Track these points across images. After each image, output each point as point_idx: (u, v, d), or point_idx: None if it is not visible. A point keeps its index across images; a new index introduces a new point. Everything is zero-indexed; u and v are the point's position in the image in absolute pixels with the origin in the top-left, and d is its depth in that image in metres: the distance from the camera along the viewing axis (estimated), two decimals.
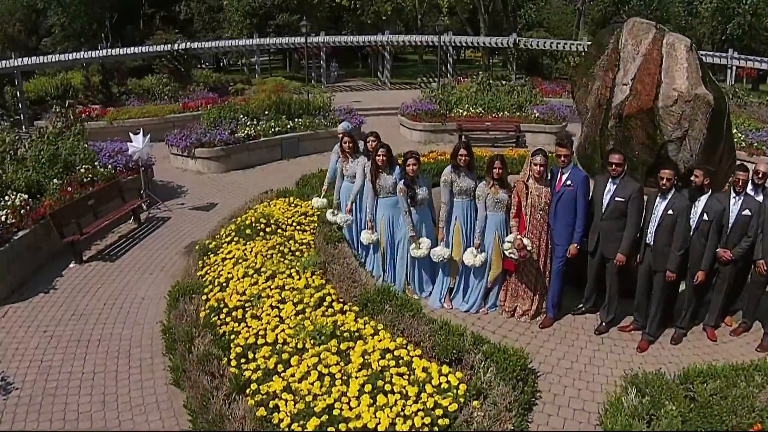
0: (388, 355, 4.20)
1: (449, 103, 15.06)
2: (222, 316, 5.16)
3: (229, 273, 5.87)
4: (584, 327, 5.42)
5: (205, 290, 5.75)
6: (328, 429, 3.59)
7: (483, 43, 26.17)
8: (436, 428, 3.61)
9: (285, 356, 4.33)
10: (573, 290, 5.60)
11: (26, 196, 8.06)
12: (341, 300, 5.14)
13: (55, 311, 6.60)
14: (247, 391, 4.07)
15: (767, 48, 28.88)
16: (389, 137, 15.77)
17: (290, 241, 6.34)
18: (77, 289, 7.20)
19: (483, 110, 14.84)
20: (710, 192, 5.01)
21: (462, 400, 3.83)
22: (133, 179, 10.02)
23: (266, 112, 13.28)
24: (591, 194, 5.26)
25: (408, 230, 5.40)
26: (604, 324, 5.32)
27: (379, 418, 3.64)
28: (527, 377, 4.22)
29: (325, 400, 3.81)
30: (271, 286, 5.42)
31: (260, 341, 4.65)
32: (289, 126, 13.07)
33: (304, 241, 6.40)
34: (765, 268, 4.88)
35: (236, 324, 4.97)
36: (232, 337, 4.85)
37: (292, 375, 4.15)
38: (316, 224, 7.05)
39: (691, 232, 4.86)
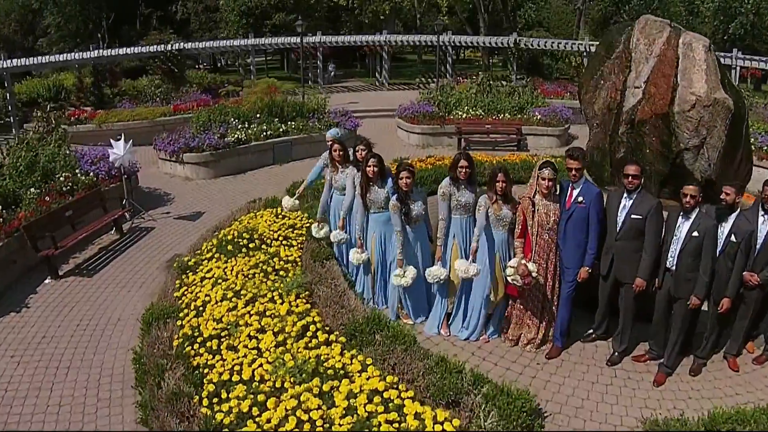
0: (376, 398, 3.71)
1: (448, 104, 14.56)
2: (196, 346, 4.67)
3: (206, 295, 5.39)
4: (595, 357, 4.92)
5: (181, 314, 5.27)
6: None
7: (483, 43, 25.66)
8: None
9: (261, 398, 3.84)
10: (583, 314, 5.11)
11: (0, 207, 7.61)
12: (327, 328, 4.66)
13: (26, 333, 6.14)
14: None
15: None
16: (386, 141, 15.51)
17: (275, 259, 5.86)
18: (51, 307, 6.74)
19: (483, 112, 14.34)
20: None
21: None
22: (116, 187, 9.53)
23: (258, 115, 12.77)
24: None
25: (398, 252, 4.89)
26: (616, 354, 4.82)
27: None
28: (533, 423, 3.73)
29: None
30: (251, 312, 4.94)
31: (235, 377, 4.17)
32: (281, 129, 12.57)
33: (290, 258, 5.92)
34: None
35: (210, 356, 4.48)
36: (206, 371, 4.38)
37: (268, 420, 3.66)
38: (304, 238, 6.57)
39: (717, 254, 4.35)
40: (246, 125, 12.44)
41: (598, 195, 4.62)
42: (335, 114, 13.83)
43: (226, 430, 3.69)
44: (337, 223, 5.85)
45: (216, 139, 11.53)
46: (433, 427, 3.47)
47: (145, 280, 7.33)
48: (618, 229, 4.57)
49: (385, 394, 3.75)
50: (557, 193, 4.69)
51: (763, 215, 4.51)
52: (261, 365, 4.22)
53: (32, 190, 8.64)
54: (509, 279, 4.42)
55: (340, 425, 3.52)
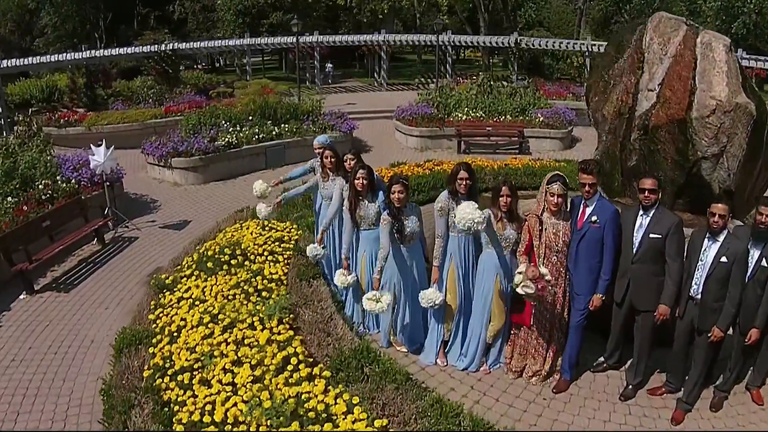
0: None
1: (447, 106, 14.10)
2: (167, 379, 4.22)
3: (182, 319, 4.94)
4: (607, 390, 4.46)
5: (154, 340, 4.83)
6: None
7: (483, 43, 25.19)
8: None
9: None
10: (592, 336, 4.63)
11: None
12: (311, 359, 4.20)
13: None
14: None
15: None
16: (383, 143, 15.04)
17: (257, 278, 5.40)
18: (23, 326, 6.31)
19: (483, 114, 13.87)
20: None
21: None
22: (99, 195, 9.07)
23: (250, 117, 12.31)
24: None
25: (376, 271, 4.37)
26: (630, 387, 4.35)
27: None
28: None
29: None
30: (228, 340, 4.48)
31: (207, 419, 3.72)
32: (274, 132, 12.11)
33: (275, 276, 5.46)
34: None
35: (182, 392, 4.03)
36: (176, 408, 3.93)
37: None
38: (292, 252, 6.12)
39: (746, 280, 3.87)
40: (238, 128, 11.98)
41: (615, 214, 4.12)
42: (331, 116, 13.37)
43: None
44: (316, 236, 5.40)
45: (205, 143, 11.08)
46: None
47: (123, 297, 6.88)
48: (634, 250, 4.09)
49: None
50: (567, 210, 4.21)
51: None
52: (236, 404, 3.77)
53: (9, 198, 8.21)
54: (520, 290, 3.85)
55: None
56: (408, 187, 4.42)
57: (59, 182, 8.93)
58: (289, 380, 3.92)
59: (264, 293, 5.16)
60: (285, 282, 5.49)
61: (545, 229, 4.05)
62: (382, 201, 4.57)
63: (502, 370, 4.53)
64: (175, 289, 5.60)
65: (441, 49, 23.36)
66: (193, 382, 4.11)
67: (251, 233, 6.60)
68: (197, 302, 5.18)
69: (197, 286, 5.49)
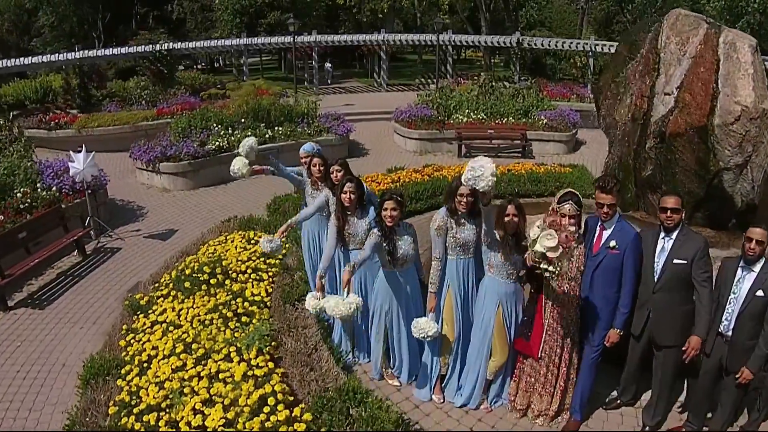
0: None
1: (448, 108, 13.62)
2: (132, 418, 3.78)
3: (154, 347, 4.50)
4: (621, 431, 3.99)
5: (123, 370, 4.39)
6: None
7: (485, 42, 24.70)
8: None
9: None
10: (605, 367, 4.15)
11: None
12: (291, 398, 3.75)
13: None
14: None
15: None
16: (382, 146, 14.55)
17: (238, 299, 4.95)
18: None
19: (485, 116, 13.39)
20: None
21: None
22: (81, 203, 8.62)
23: (242, 120, 11.86)
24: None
25: (346, 270, 3.70)
26: (647, 429, 3.88)
27: None
28: None
29: None
30: (201, 374, 4.03)
31: None
32: (267, 135, 11.65)
33: (257, 298, 5.01)
34: None
35: None
36: None
37: None
38: (277, 269, 5.67)
39: None
40: (229, 131, 11.53)
41: (636, 239, 3.62)
42: (326, 118, 12.91)
43: None
44: (311, 250, 4.94)
45: (195, 147, 10.63)
46: None
47: (101, 315, 6.44)
48: (656, 277, 3.61)
49: None
50: (581, 232, 3.73)
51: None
52: None
53: None
54: (539, 245, 3.15)
55: None
56: (402, 204, 3.93)
57: (39, 190, 8.49)
58: (266, 425, 3.47)
59: (244, 318, 4.71)
60: (268, 304, 5.04)
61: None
62: (373, 218, 4.10)
63: (504, 407, 4.06)
64: (149, 311, 5.16)
65: (441, 49, 22.89)
66: (160, 424, 3.66)
67: (235, 247, 6.16)
68: (171, 328, 4.73)
69: (173, 309, 5.05)
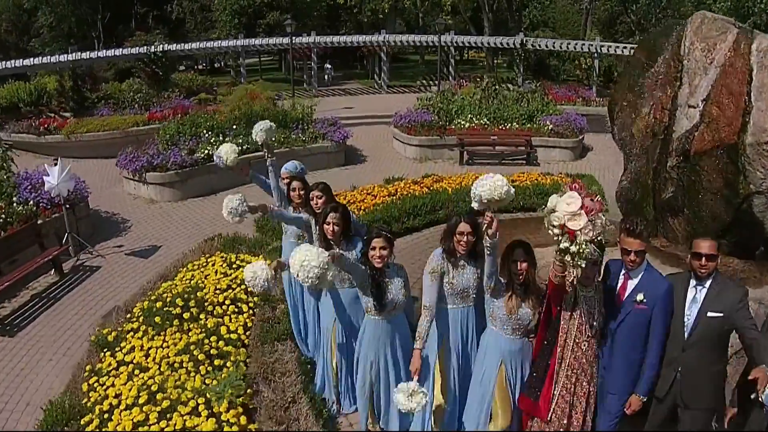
0: None
1: (449, 112, 13.07)
2: None
3: (117, 395, 4.00)
4: None
5: (83, 420, 3.90)
6: None
7: (488, 44, 24.17)
8: None
9: None
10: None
11: None
12: None
13: None
14: None
15: None
16: (381, 153, 13.99)
17: (212, 338, 4.44)
18: None
19: (488, 121, 12.85)
20: None
21: None
22: (59, 217, 8.14)
23: (234, 126, 11.35)
24: None
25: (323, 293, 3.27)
26: None
27: None
28: None
29: None
30: (165, 430, 3.53)
31: None
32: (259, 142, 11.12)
33: (233, 336, 4.49)
34: None
35: None
36: None
37: None
38: (258, 299, 5.16)
39: None
40: (220, 138, 11.03)
41: (668, 293, 3.04)
42: (322, 124, 12.39)
43: None
44: (292, 287, 4.44)
45: (183, 155, 10.13)
46: None
47: (73, 344, 5.96)
48: (687, 333, 3.06)
49: None
50: (599, 279, 3.15)
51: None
52: None
53: None
54: (560, 212, 2.56)
55: None
56: (392, 242, 3.39)
57: (15, 204, 8.01)
58: None
59: (217, 360, 4.20)
60: (247, 340, 4.54)
61: (580, 303, 3.00)
62: (360, 251, 3.57)
63: None
64: (117, 348, 4.66)
65: (443, 49, 22.36)
66: None
67: (216, 272, 5.65)
68: (137, 371, 4.23)
69: (142, 347, 4.54)
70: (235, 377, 3.83)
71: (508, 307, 3.14)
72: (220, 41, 24.41)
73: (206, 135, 10.98)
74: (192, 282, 5.41)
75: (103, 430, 3.79)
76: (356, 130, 14.77)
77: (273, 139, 4.74)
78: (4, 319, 6.55)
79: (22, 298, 7.04)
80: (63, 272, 7.57)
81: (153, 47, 20.52)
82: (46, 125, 14.93)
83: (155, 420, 3.64)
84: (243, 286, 5.35)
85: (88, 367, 4.54)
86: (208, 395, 3.74)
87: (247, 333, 4.64)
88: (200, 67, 34.73)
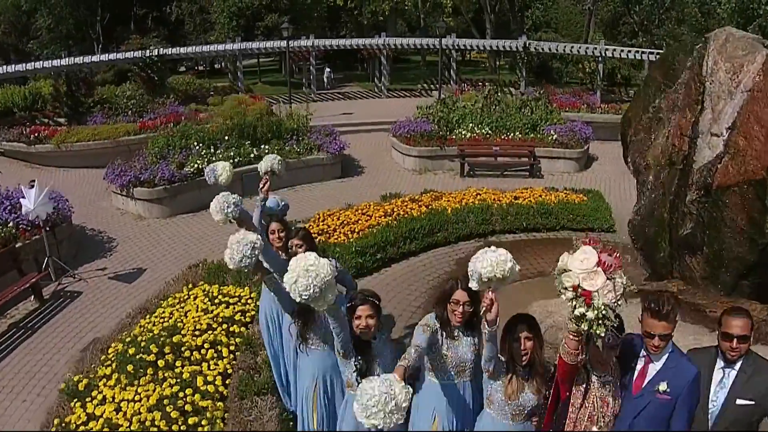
0: None
1: (450, 122, 12.63)
2: None
3: None
4: None
5: None
6: None
7: (490, 47, 23.74)
8: None
9: None
10: None
11: None
12: None
13: None
14: None
15: None
16: (379, 164, 13.49)
17: (188, 390, 4.04)
18: None
19: (490, 130, 12.41)
20: None
21: None
22: (40, 239, 7.72)
23: (226, 138, 10.93)
24: None
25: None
26: None
27: None
28: None
29: None
30: None
31: None
32: (252, 155, 10.73)
33: (210, 389, 4.09)
34: None
35: None
36: None
37: None
38: (240, 340, 4.77)
39: None
40: (211, 150, 10.63)
41: (696, 381, 2.58)
42: (318, 134, 11.96)
43: None
44: (270, 330, 4.02)
45: (172, 170, 9.72)
46: None
47: (48, 382, 5.58)
48: (711, 422, 2.65)
49: None
50: (615, 361, 2.62)
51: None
52: None
53: None
54: (573, 272, 2.25)
55: None
56: (380, 309, 2.95)
57: None
58: None
59: (192, 418, 3.80)
60: (225, 393, 4.14)
61: (591, 388, 2.57)
62: (344, 308, 3.15)
63: None
64: (87, 399, 4.27)
65: (445, 53, 21.90)
66: None
67: (197, 307, 5.25)
68: (106, 429, 3.84)
69: (113, 398, 4.15)
70: None
71: (507, 391, 2.68)
72: (216, 45, 24.03)
73: (197, 147, 10.57)
74: (170, 320, 5.01)
75: None
76: (355, 138, 14.35)
77: (278, 170, 4.42)
78: None
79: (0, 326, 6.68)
80: (43, 298, 7.19)
81: (148, 51, 20.13)
82: (36, 134, 14.55)
83: None
84: (224, 326, 4.96)
85: (56, 421, 4.14)
86: None
87: (227, 381, 4.24)
88: (200, 67, 34.35)
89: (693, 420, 2.61)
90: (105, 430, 3.86)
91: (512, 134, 12.28)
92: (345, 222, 7.37)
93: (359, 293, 3.03)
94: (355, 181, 11.49)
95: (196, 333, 4.76)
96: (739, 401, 2.60)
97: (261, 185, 4.34)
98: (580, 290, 2.27)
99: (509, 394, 2.67)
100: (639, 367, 2.62)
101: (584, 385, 2.57)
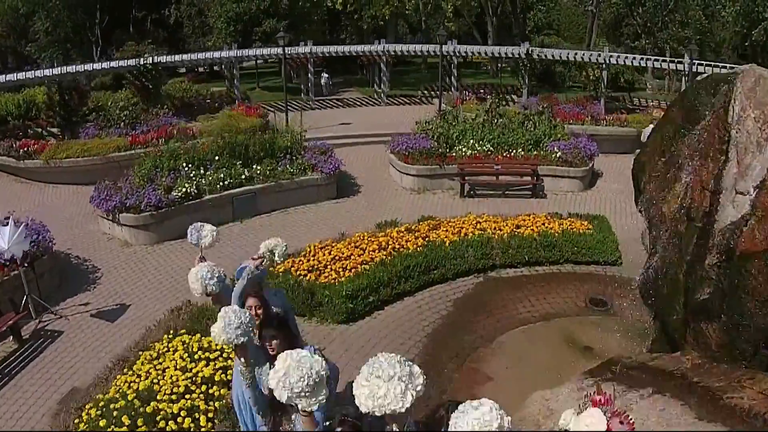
0: None
1: (450, 138, 12.21)
2: None
3: None
4: None
5: None
6: None
7: (491, 54, 23.35)
8: None
9: None
10: None
11: None
12: None
13: None
14: None
15: None
16: (376, 181, 12.93)
17: None
18: None
19: (491, 147, 11.98)
20: None
21: None
22: (19, 275, 7.32)
23: (216, 158, 10.53)
24: None
25: None
26: None
27: None
28: None
29: None
30: None
31: None
32: (244, 176, 10.34)
33: None
34: None
35: None
36: None
37: None
38: (221, 405, 4.39)
39: None
40: (201, 171, 10.23)
41: None
42: (313, 152, 11.54)
43: None
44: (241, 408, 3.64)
45: (159, 194, 9.33)
46: None
47: None
48: None
49: None
50: None
51: None
52: None
53: None
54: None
55: None
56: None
57: None
58: None
59: None
60: None
61: None
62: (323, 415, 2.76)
63: None
64: None
65: (445, 59, 21.45)
66: None
67: (175, 364, 4.88)
68: None
69: None
70: None
71: None
72: (212, 52, 23.68)
73: (185, 169, 10.17)
74: (147, 381, 4.63)
75: None
76: (352, 152, 13.95)
77: (278, 260, 4.12)
78: None
79: None
80: (22, 339, 6.85)
81: (143, 59, 19.74)
82: (26, 148, 14.18)
83: None
84: (203, 388, 4.59)
85: None
86: None
87: None
88: (200, 69, 33.94)
89: None
90: None
91: (515, 151, 11.86)
92: (337, 257, 6.98)
93: (340, 417, 2.59)
94: (350, 203, 11.07)
95: (173, 398, 4.39)
96: None
97: (257, 260, 4.00)
98: None
99: None
100: None
101: None
